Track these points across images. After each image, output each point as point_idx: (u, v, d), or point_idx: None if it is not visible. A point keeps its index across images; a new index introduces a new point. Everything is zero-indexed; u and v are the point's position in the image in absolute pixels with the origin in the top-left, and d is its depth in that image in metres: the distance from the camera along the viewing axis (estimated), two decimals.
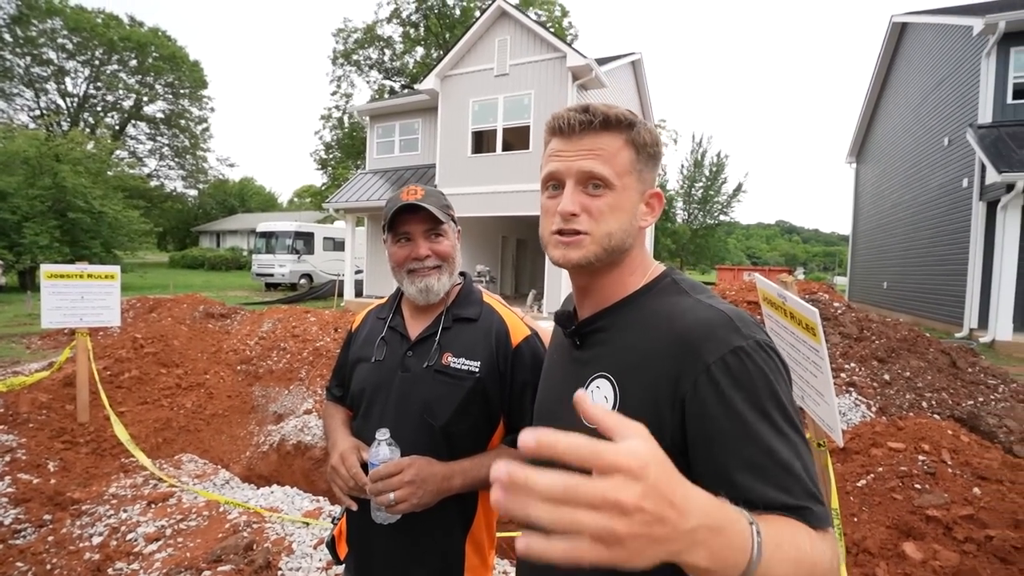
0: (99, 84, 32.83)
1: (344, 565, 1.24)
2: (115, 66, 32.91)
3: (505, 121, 13.19)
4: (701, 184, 38.72)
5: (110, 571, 2.23)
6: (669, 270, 0.83)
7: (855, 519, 2.28)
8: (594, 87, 13.10)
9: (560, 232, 0.77)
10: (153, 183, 35.26)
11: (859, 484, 2.49)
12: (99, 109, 34.00)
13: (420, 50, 30.95)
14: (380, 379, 1.16)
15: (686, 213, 39.65)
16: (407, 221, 1.14)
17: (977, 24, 10.10)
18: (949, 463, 2.50)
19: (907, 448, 2.64)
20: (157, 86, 34.71)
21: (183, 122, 36.69)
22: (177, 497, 2.88)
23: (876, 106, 17.49)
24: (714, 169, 38.23)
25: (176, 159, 37.50)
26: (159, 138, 36.46)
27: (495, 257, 16.96)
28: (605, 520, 0.37)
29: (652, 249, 24.28)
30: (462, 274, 1.28)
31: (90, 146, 19.38)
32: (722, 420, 0.62)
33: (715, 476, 0.61)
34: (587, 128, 0.76)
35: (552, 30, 17.91)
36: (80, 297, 4.32)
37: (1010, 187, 8.91)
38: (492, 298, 1.27)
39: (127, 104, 34.57)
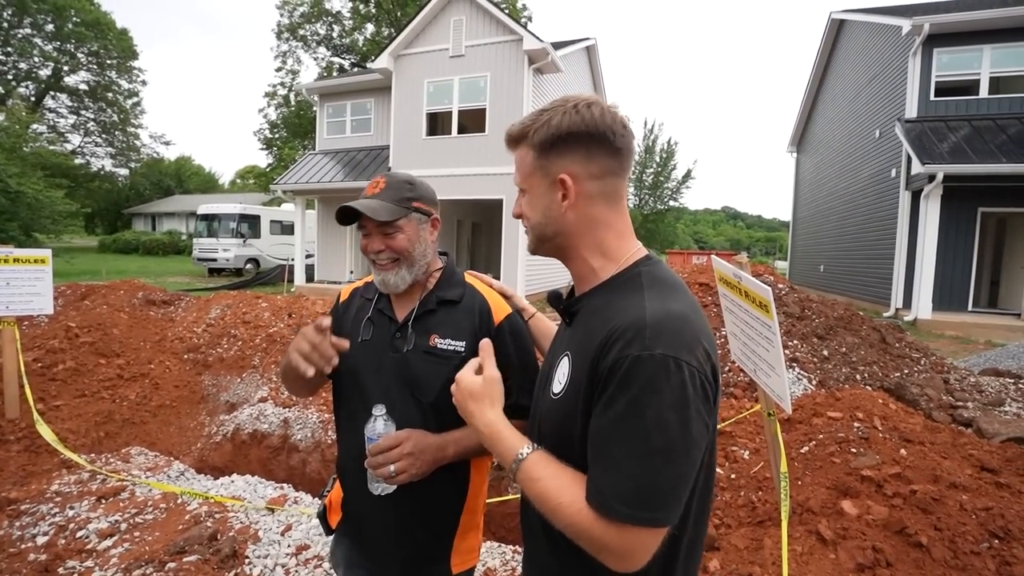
0: (9, 49, 29.69)
1: (334, 535, 1.29)
2: (28, 30, 29.85)
3: (461, 103, 13.00)
4: (652, 170, 39.66)
5: (60, 570, 2.12)
6: (643, 261, 0.86)
7: (799, 482, 2.47)
8: (550, 71, 13.11)
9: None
10: (78, 161, 32.44)
11: (802, 451, 2.69)
12: (10, 78, 30.83)
13: (371, 27, 29.84)
14: (370, 359, 1.19)
15: (637, 198, 40.59)
16: (361, 215, 1.13)
17: (905, 25, 10.79)
18: (880, 429, 2.74)
19: (844, 417, 2.87)
20: (79, 54, 31.77)
21: (110, 95, 33.84)
22: (129, 491, 2.75)
23: (816, 98, 18.42)
24: (664, 155, 39.21)
25: (104, 135, 34.61)
26: (83, 112, 33.48)
27: (451, 240, 16.82)
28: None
29: None
30: (444, 254, 1.32)
31: (1, 118, 17.63)
32: (599, 417, 0.73)
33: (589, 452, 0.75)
34: (510, 147, 0.91)
35: (507, 11, 17.68)
36: (5, 283, 3.98)
37: (931, 178, 9.66)
38: (474, 277, 1.30)
39: (44, 73, 31.53)
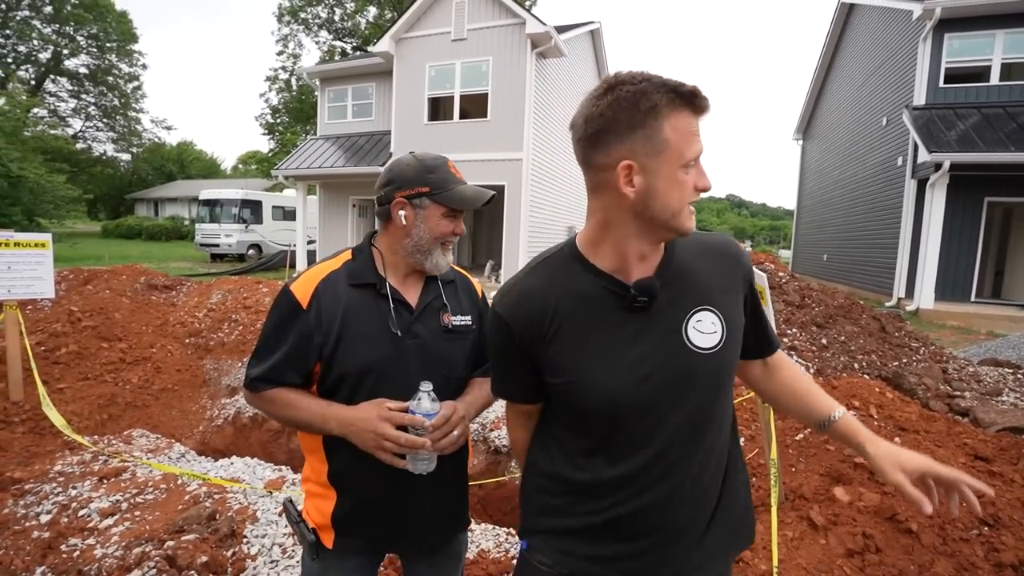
0: (8, 32, 29.47)
1: (332, 552, 1.21)
2: (26, 12, 29.59)
3: (463, 88, 12.88)
4: None
5: (63, 548, 2.16)
6: None
7: (793, 469, 2.49)
8: (553, 56, 12.96)
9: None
10: (79, 145, 32.37)
11: (797, 438, 2.70)
12: (10, 61, 30.65)
13: (373, 10, 29.47)
14: (392, 351, 1.17)
15: None
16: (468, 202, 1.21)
17: (916, 9, 10.59)
18: (875, 417, 2.75)
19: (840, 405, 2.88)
20: (78, 37, 31.52)
21: (111, 79, 33.64)
22: (131, 472, 2.79)
23: (823, 85, 18.17)
24: None
25: (105, 120, 34.50)
26: (84, 96, 33.33)
27: None
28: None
29: None
30: None
31: (1, 102, 17.56)
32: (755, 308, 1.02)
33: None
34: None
35: None
36: (7, 267, 4.00)
37: (938, 166, 9.55)
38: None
39: (44, 57, 31.32)
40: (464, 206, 1.20)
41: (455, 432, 1.11)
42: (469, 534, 2.19)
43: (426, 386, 1.09)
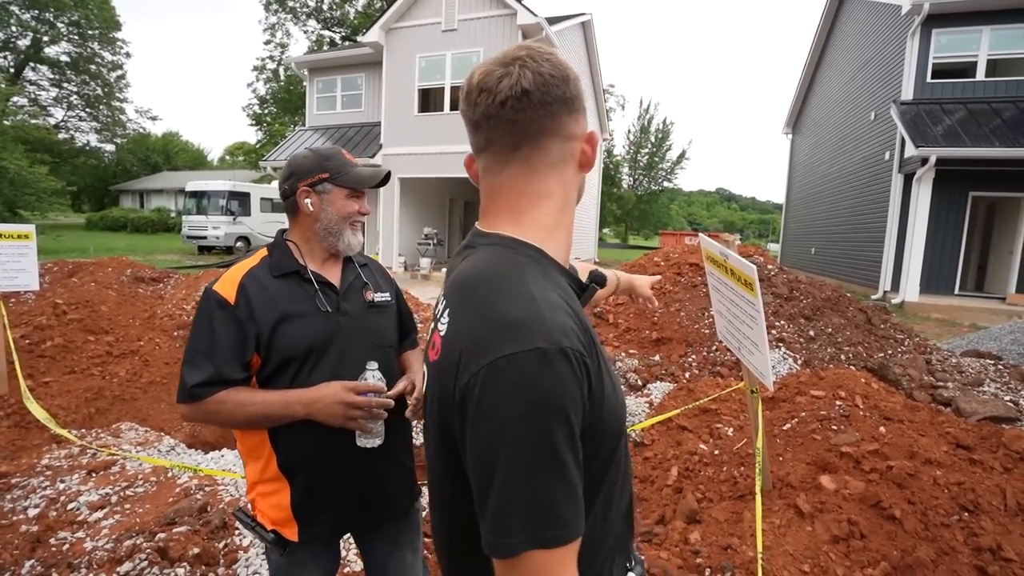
0: None
1: (298, 544, 1.22)
2: None
3: (453, 79, 12.78)
4: (647, 151, 39.35)
5: (52, 541, 2.14)
6: None
7: (780, 458, 2.53)
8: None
9: None
10: (61, 135, 31.69)
11: (784, 428, 2.75)
12: None
13: None
14: (327, 328, 1.25)
15: (631, 179, 40.38)
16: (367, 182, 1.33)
17: (905, 4, 10.67)
18: (861, 407, 2.80)
19: (826, 395, 2.92)
20: (59, 24, 30.74)
21: (93, 68, 32.84)
22: (120, 465, 2.77)
23: (812, 79, 18.28)
24: (659, 136, 38.90)
25: (88, 109, 33.71)
26: (65, 85, 32.52)
27: (442, 219, 16.72)
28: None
29: (597, 216, 24.63)
30: None
31: None
32: None
33: None
34: None
35: None
36: None
37: (924, 161, 9.68)
38: None
39: (23, 44, 30.53)
40: (362, 185, 1.31)
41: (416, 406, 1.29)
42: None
43: (372, 365, 1.21)
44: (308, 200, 1.26)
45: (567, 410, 0.56)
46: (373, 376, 1.20)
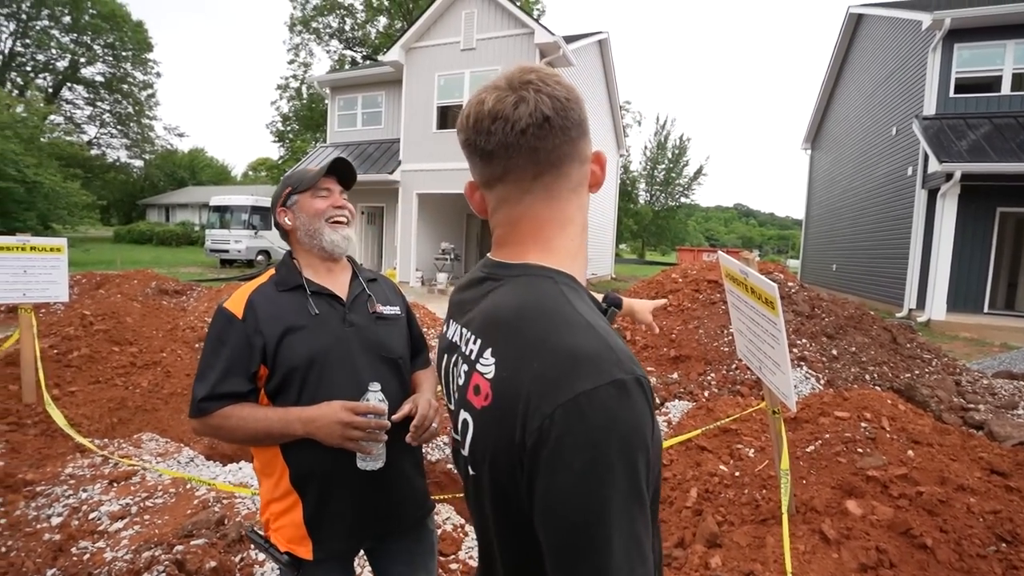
0: (27, 41, 30.15)
1: (313, 562, 1.21)
2: (45, 21, 30.25)
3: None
4: (663, 166, 39.34)
5: (73, 550, 2.17)
6: None
7: (804, 481, 2.45)
8: (561, 65, 13.03)
9: None
10: (93, 152, 32.89)
11: (808, 450, 2.67)
12: (28, 69, 31.31)
13: (383, 20, 29.83)
14: (330, 340, 1.26)
15: (648, 195, 40.32)
16: (331, 179, 1.36)
17: (926, 19, 10.57)
18: (888, 429, 2.71)
19: (851, 417, 2.84)
20: (95, 46, 32.16)
21: (126, 87, 34.26)
22: (140, 475, 2.81)
23: (831, 95, 18.14)
24: (676, 152, 38.89)
25: (119, 127, 35.07)
26: (99, 103, 33.95)
27: (459, 235, 16.84)
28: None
29: (614, 232, 24.58)
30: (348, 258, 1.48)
31: (19, 109, 17.89)
32: None
33: None
34: None
35: (519, 4, 17.60)
36: (22, 271, 4.06)
37: (949, 176, 9.49)
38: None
39: (61, 65, 31.96)
40: (312, 181, 1.34)
41: (435, 425, 1.28)
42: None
43: (374, 387, 1.19)
44: (285, 217, 1.34)
45: (648, 443, 0.54)
46: (375, 397, 1.18)
